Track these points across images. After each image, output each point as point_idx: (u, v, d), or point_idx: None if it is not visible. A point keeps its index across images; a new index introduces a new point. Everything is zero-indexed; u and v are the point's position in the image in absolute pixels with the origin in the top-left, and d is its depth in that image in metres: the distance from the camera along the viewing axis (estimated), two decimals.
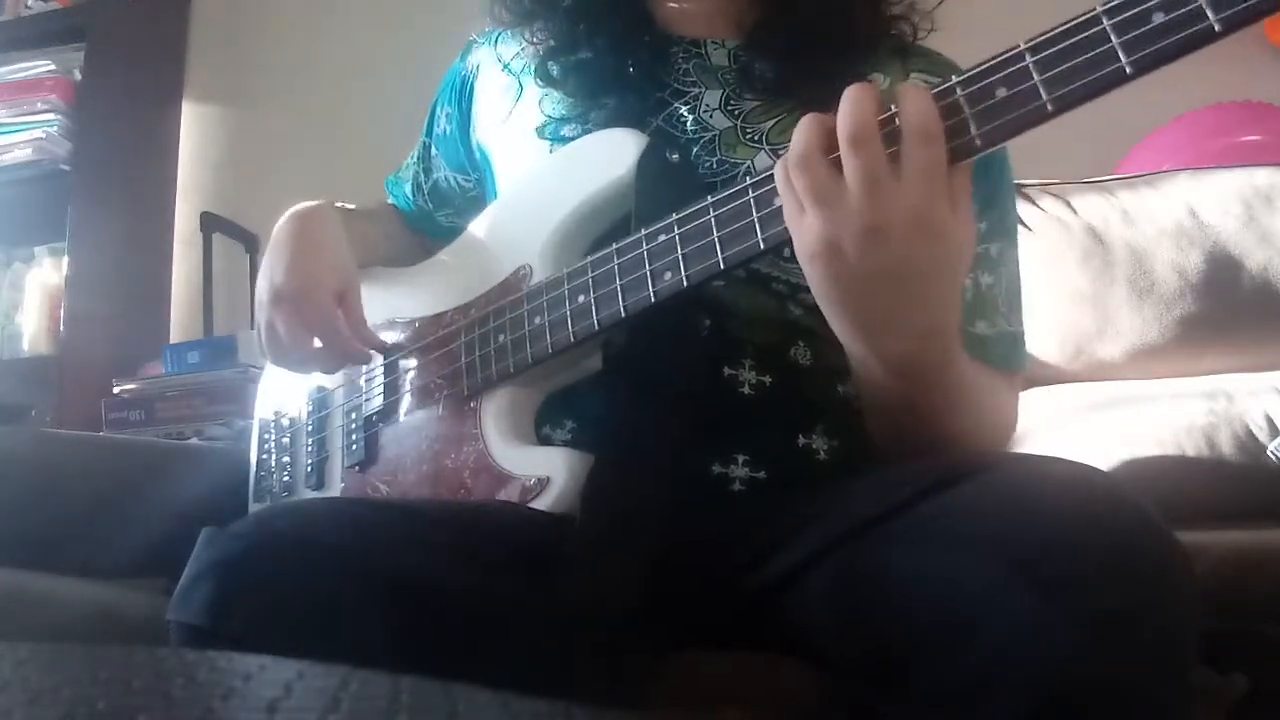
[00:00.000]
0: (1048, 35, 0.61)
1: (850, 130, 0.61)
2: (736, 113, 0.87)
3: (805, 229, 0.64)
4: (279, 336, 0.89)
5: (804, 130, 0.64)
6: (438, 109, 1.08)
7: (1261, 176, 1.32)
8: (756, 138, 0.85)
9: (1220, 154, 1.50)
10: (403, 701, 0.36)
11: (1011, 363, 0.87)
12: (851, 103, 0.62)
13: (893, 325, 0.67)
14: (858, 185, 0.61)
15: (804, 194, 0.63)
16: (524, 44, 0.96)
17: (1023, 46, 0.61)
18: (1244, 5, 0.55)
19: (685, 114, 0.87)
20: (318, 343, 0.89)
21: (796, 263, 0.82)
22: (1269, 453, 1.14)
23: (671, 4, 0.94)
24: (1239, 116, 1.60)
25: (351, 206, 1.07)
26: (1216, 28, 0.56)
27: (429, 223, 1.11)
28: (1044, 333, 1.34)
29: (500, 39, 1.02)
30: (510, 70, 0.98)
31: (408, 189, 1.12)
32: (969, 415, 0.78)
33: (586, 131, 0.88)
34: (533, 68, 0.94)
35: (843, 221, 0.62)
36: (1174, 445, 1.18)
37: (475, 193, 1.06)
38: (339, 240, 0.93)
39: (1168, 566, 0.56)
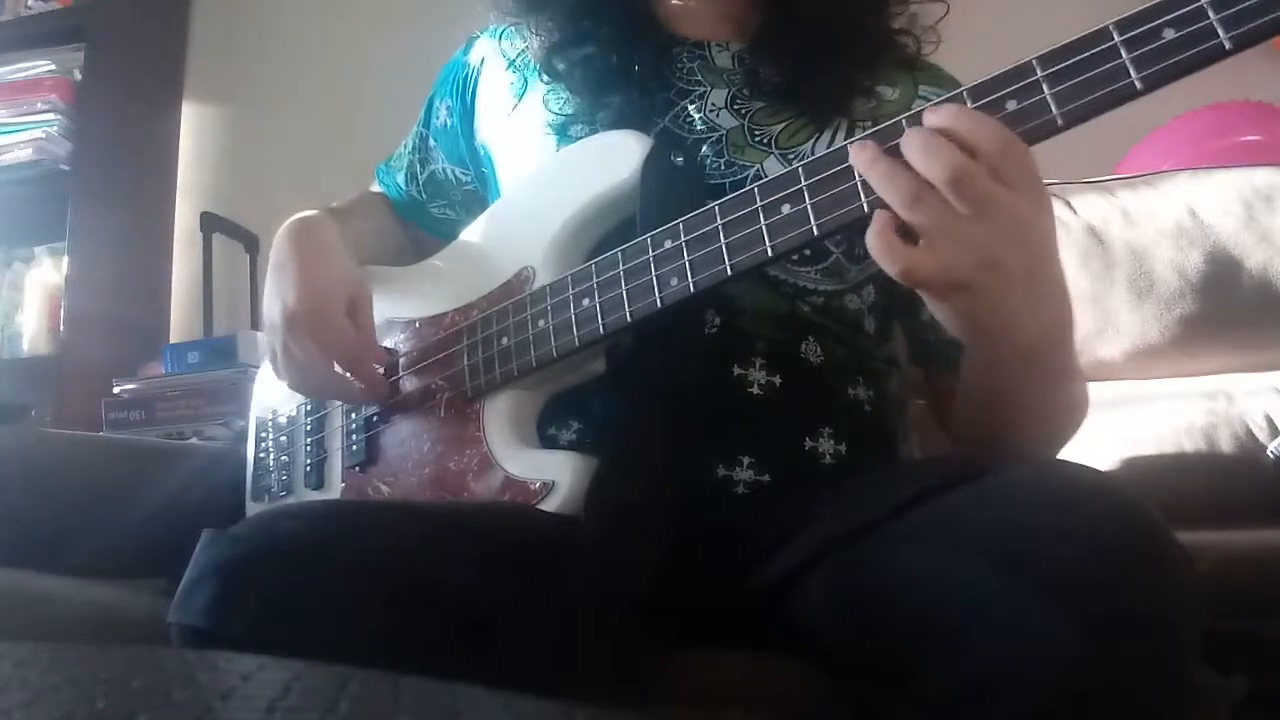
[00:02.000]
0: (1058, 49, 0.61)
1: (946, 175, 0.60)
2: (743, 112, 0.87)
3: (952, 264, 0.62)
4: (296, 361, 0.86)
5: (900, 188, 0.62)
6: (436, 101, 1.07)
7: (1261, 176, 1.32)
8: (765, 140, 0.85)
9: (1220, 154, 1.50)
10: (403, 701, 0.36)
11: None
12: (925, 152, 0.61)
13: (1042, 306, 0.67)
14: (979, 212, 0.61)
15: (943, 240, 0.61)
16: (528, 37, 0.96)
17: (1032, 60, 0.61)
18: (1255, 24, 0.55)
19: (693, 112, 0.87)
20: (335, 366, 0.87)
21: (804, 266, 0.83)
22: (1269, 453, 1.14)
23: (673, 3, 0.94)
24: (1239, 116, 1.60)
25: (337, 205, 1.06)
26: (1227, 45, 0.56)
27: (420, 213, 1.10)
28: None
29: (504, 35, 1.01)
30: (515, 66, 0.98)
31: (400, 178, 1.11)
32: (1080, 401, 0.80)
33: (593, 131, 0.87)
34: (538, 62, 0.94)
35: (990, 240, 0.61)
36: (1174, 445, 1.18)
37: (471, 187, 1.05)
38: (342, 251, 0.92)
39: (1168, 567, 0.56)
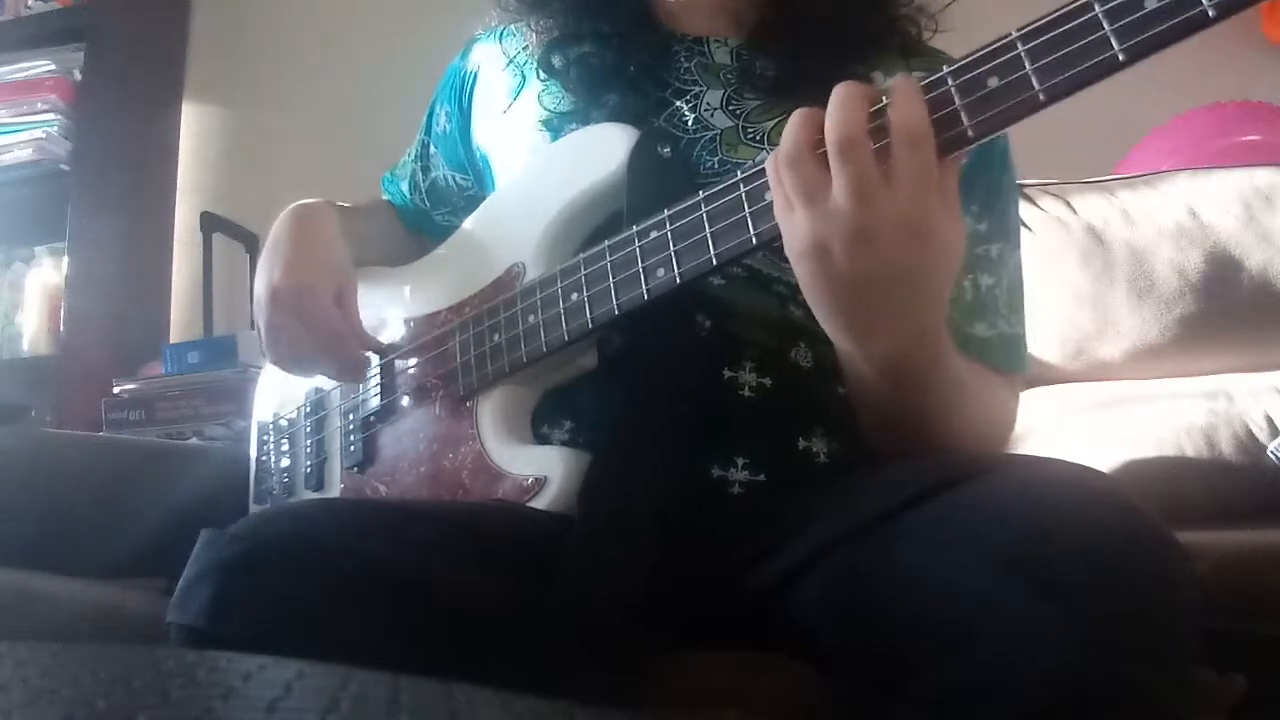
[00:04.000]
0: (1039, 23, 0.60)
1: (837, 136, 0.61)
2: (738, 112, 0.87)
3: (794, 227, 0.64)
4: (280, 338, 0.89)
5: (795, 126, 0.64)
6: (437, 107, 1.08)
7: (1261, 176, 1.32)
8: (758, 137, 0.85)
9: (1220, 154, 1.50)
10: (403, 701, 0.36)
11: (1012, 364, 0.87)
12: (839, 107, 0.62)
13: (880, 327, 0.67)
14: (845, 191, 0.61)
15: (793, 192, 0.63)
16: (529, 33, 0.96)
17: (1014, 35, 0.61)
18: None
19: (686, 113, 0.87)
20: (319, 345, 0.88)
21: None
22: (1269, 453, 1.14)
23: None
24: (1239, 116, 1.60)
25: (348, 205, 1.06)
26: (1210, 13, 0.55)
27: (425, 221, 1.11)
28: (1044, 333, 1.34)
29: (505, 34, 1.01)
30: (515, 64, 0.98)
31: (404, 186, 1.12)
32: (961, 415, 0.77)
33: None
34: (536, 58, 0.94)
35: (831, 223, 0.62)
36: (1174, 445, 1.18)
37: (473, 192, 1.06)
38: (336, 240, 0.93)
39: (1168, 567, 0.56)
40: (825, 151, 0.62)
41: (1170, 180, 1.37)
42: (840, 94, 0.62)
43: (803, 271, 0.65)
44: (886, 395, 0.73)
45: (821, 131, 0.62)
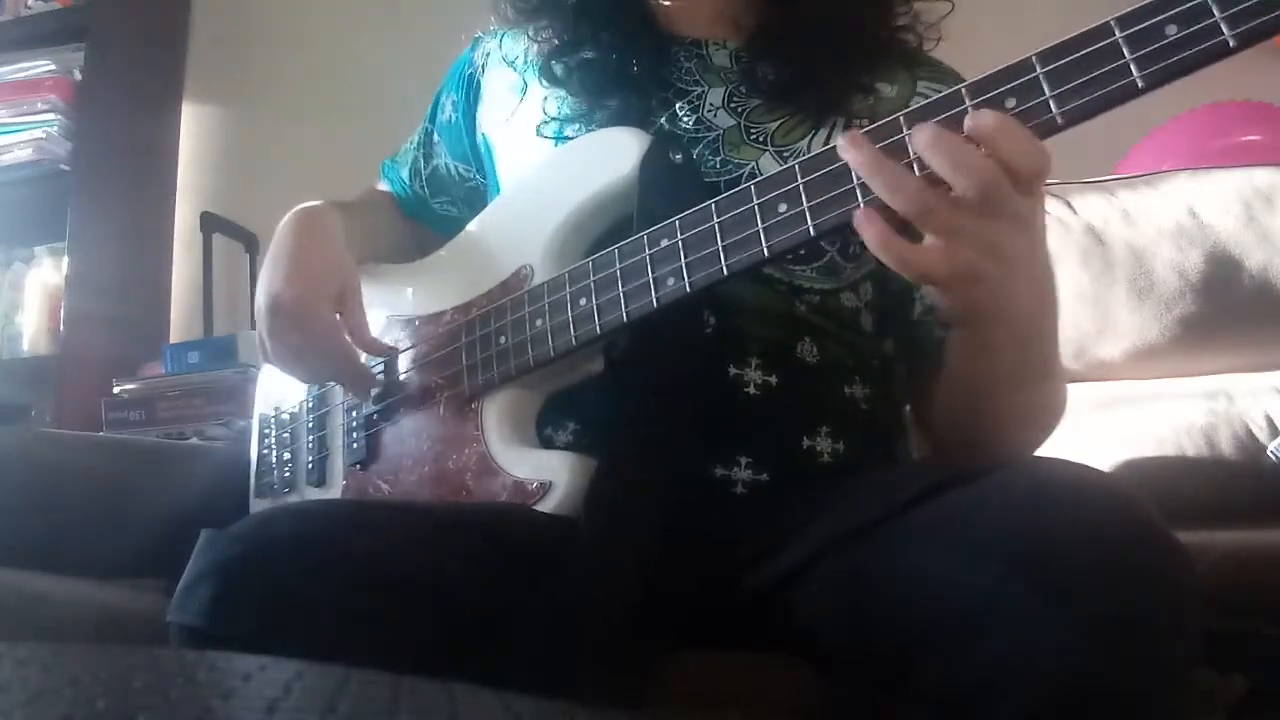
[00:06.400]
0: (1058, 46, 0.60)
1: (978, 198, 0.60)
2: (740, 110, 0.87)
3: (964, 250, 0.62)
4: (280, 349, 0.88)
5: (900, 188, 0.62)
6: (443, 97, 1.08)
7: (1261, 176, 1.32)
8: (761, 138, 0.85)
9: (1220, 154, 1.50)
10: (403, 702, 0.36)
11: None
12: (961, 167, 0.61)
13: (1038, 293, 0.68)
14: (995, 213, 0.62)
15: (955, 240, 0.62)
16: (528, 42, 0.96)
17: (1033, 56, 0.61)
18: (1261, 21, 0.55)
19: (689, 113, 0.87)
20: (319, 356, 0.88)
21: (799, 265, 0.83)
22: (1269, 453, 1.14)
23: (671, 3, 0.94)
24: (1239, 116, 1.60)
25: (349, 200, 1.06)
26: (1231, 43, 0.55)
27: (423, 209, 1.11)
28: None
29: (505, 37, 1.02)
30: (515, 67, 0.98)
31: (405, 173, 1.11)
32: (1055, 398, 0.80)
33: (590, 132, 0.88)
34: (537, 66, 0.94)
35: (1001, 234, 0.62)
36: (1174, 445, 1.18)
37: (474, 183, 1.06)
38: (337, 241, 0.92)
39: (1169, 568, 0.56)
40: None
41: (1170, 180, 1.37)
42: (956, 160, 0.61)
43: (982, 285, 0.64)
44: (1011, 373, 0.73)
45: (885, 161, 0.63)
